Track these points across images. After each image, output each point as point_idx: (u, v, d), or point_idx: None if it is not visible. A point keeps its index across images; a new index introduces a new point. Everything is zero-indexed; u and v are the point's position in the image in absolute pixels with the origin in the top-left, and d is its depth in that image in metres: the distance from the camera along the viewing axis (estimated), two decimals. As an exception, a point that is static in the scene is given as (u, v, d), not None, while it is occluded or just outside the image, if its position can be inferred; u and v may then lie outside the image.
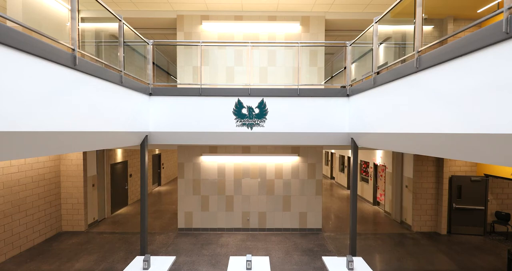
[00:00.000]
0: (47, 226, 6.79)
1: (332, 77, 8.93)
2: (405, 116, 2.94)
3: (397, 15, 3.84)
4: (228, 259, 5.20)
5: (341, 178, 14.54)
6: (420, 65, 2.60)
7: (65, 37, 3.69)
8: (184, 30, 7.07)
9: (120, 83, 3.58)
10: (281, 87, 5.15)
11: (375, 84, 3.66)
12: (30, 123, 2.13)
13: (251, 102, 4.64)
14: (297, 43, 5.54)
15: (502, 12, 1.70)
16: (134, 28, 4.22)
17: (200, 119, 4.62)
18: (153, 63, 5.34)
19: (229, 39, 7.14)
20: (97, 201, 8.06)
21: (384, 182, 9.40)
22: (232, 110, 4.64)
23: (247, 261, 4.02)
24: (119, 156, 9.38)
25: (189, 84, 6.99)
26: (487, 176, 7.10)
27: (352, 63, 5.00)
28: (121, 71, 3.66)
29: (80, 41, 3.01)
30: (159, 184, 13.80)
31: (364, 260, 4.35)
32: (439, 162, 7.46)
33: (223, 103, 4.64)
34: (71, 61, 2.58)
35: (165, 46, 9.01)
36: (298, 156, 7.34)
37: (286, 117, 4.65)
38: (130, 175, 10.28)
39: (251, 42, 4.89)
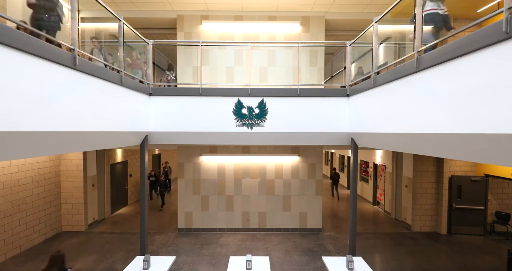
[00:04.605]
0: (47, 226, 6.79)
1: (332, 77, 8.91)
2: (405, 116, 2.94)
3: (397, 15, 3.83)
4: (228, 259, 5.20)
5: (341, 178, 14.53)
6: (420, 65, 2.60)
7: (65, 37, 3.69)
8: (184, 30, 7.07)
9: (120, 83, 3.58)
10: (281, 87, 5.16)
11: (375, 84, 3.66)
12: (30, 123, 2.13)
13: (251, 102, 4.64)
14: (297, 43, 5.53)
15: (502, 12, 1.69)
16: (134, 28, 4.22)
17: (200, 120, 4.61)
18: (153, 63, 5.33)
19: (229, 39, 7.14)
20: (97, 201, 8.05)
21: (384, 182, 9.40)
22: (232, 110, 4.64)
23: (247, 261, 4.02)
24: (119, 156, 9.37)
25: (189, 84, 7.00)
26: (487, 176, 7.10)
27: (352, 63, 4.99)
28: (121, 71, 3.67)
29: (80, 41, 3.01)
30: (159, 184, 13.77)
31: (364, 259, 4.35)
32: (439, 162, 7.46)
33: (223, 103, 4.64)
34: (71, 61, 2.58)
35: (165, 46, 9.00)
36: (298, 156, 7.34)
37: (286, 117, 4.65)
38: (130, 175, 10.27)
39: (251, 42, 4.89)
